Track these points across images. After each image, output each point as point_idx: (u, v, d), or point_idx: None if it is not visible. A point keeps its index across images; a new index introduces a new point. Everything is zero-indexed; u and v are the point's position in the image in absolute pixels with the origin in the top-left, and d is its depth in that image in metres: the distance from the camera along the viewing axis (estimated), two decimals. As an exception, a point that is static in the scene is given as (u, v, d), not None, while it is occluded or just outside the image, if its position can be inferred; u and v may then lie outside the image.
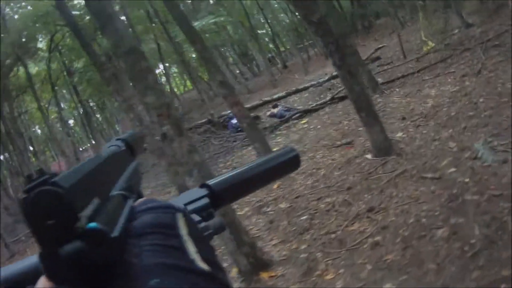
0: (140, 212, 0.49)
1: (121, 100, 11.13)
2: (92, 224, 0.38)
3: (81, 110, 32.23)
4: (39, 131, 38.51)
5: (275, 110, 15.72)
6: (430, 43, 13.75)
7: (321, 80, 16.96)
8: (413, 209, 5.54)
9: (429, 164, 6.70)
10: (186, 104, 31.82)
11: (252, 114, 16.86)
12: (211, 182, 0.73)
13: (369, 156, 7.99)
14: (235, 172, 0.77)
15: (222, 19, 23.89)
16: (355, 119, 10.97)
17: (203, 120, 17.88)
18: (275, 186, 8.65)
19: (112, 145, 0.71)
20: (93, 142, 33.54)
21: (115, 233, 0.40)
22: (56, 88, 28.76)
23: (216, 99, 25.55)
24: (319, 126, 12.03)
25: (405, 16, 21.04)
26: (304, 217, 6.87)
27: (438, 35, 13.59)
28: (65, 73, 26.88)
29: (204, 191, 0.71)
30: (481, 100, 8.18)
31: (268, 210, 7.93)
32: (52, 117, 34.93)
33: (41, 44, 25.81)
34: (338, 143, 9.76)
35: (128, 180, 0.60)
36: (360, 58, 11.19)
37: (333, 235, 5.93)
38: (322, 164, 8.97)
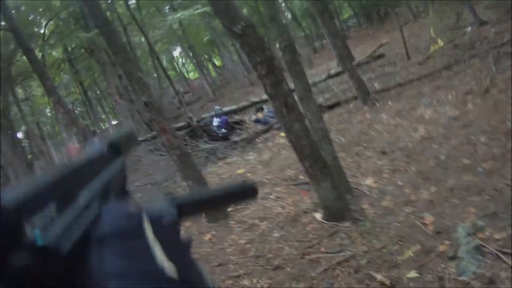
0: (105, 218, 0.46)
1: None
2: (39, 242, 0.38)
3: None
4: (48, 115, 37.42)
5: (260, 115, 13.49)
6: (439, 41, 11.24)
7: (316, 80, 14.53)
8: None
9: (386, 253, 4.44)
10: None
11: (237, 118, 14.81)
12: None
13: (318, 215, 5.77)
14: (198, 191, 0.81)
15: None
16: (335, 142, 8.76)
17: (181, 124, 15.69)
18: (206, 237, 6.64)
19: (97, 148, 0.69)
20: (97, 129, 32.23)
21: (64, 249, 0.40)
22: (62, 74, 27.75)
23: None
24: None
25: (419, 6, 18.17)
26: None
27: (448, 32, 11.04)
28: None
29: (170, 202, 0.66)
30: (482, 139, 5.85)
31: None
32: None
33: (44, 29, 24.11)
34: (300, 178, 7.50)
35: (104, 183, 0.59)
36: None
37: None
38: (270, 211, 6.78)
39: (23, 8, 19.73)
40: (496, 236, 3.93)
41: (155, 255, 0.43)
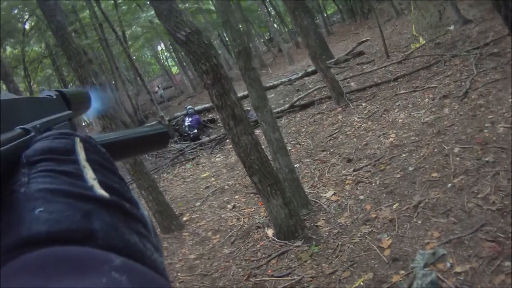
0: (37, 139, 0.44)
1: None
2: None
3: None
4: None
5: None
6: (420, 39, 10.64)
7: (293, 77, 13.91)
8: None
9: (335, 280, 3.88)
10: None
11: (210, 116, 14.15)
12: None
13: (270, 232, 5.18)
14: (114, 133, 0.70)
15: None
16: (301, 146, 8.16)
17: (153, 123, 15.00)
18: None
19: (46, 94, 0.66)
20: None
21: None
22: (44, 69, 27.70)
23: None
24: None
25: (402, 3, 17.48)
26: None
27: (430, 30, 10.42)
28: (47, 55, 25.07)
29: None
30: (455, 150, 5.24)
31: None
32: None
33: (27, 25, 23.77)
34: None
35: (47, 123, 0.56)
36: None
37: None
38: (225, 223, 6.23)
39: (5, 3, 19.29)
40: (458, 268, 3.34)
41: (87, 175, 0.40)
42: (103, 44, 20.32)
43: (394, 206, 4.66)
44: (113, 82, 21.50)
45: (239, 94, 13.67)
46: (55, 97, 0.66)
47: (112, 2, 21.95)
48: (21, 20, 21.91)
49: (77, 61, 6.90)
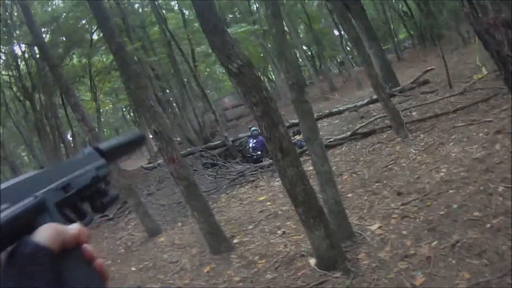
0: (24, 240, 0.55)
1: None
2: None
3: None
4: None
5: (297, 137, 13.09)
6: (483, 69, 10.50)
7: (358, 104, 14.02)
8: None
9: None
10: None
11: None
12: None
13: (312, 261, 5.39)
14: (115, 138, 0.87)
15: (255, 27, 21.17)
16: (357, 175, 8.29)
17: (217, 142, 15.55)
18: (205, 269, 6.54)
19: (80, 152, 0.77)
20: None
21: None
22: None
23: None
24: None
25: (470, 30, 17.14)
26: None
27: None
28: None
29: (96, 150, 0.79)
30: (499, 189, 5.26)
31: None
32: (106, 108, 34.99)
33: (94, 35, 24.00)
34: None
35: (64, 183, 0.66)
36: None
37: None
38: (272, 249, 6.51)
39: (70, 14, 20.11)
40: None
41: None
42: (171, 61, 20.65)
43: (433, 244, 4.76)
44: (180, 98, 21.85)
45: (292, 121, 14.01)
46: (87, 154, 0.76)
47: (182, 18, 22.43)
48: (89, 30, 22.36)
49: (136, 83, 7.26)
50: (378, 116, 11.09)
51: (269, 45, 25.48)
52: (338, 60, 36.28)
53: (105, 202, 0.75)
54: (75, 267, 0.59)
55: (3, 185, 0.57)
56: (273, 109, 4.85)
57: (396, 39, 27.29)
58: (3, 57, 22.82)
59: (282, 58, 5.78)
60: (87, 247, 0.62)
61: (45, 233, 0.57)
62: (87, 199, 0.72)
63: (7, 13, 19.15)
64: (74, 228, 0.61)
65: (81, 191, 0.70)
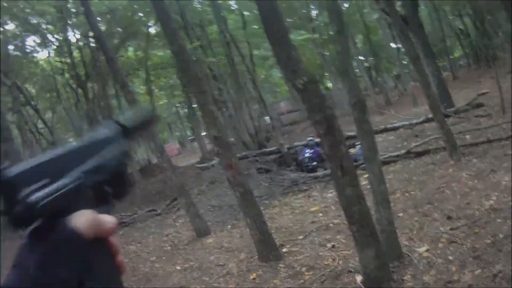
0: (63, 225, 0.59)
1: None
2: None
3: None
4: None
5: (352, 151, 13.31)
6: (539, 96, 10.50)
7: (413, 122, 14.14)
8: None
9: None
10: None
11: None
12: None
13: (359, 278, 5.69)
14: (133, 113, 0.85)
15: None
16: (409, 195, 8.50)
17: (272, 149, 15.95)
18: (251, 276, 6.83)
19: (101, 129, 0.73)
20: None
21: (41, 203, 0.55)
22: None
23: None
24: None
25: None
26: None
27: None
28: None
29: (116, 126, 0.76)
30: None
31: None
32: (160, 102, 35.22)
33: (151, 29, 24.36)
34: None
35: (96, 165, 0.65)
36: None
37: None
38: (320, 261, 6.79)
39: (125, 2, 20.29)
40: None
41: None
42: (230, 62, 20.65)
43: (476, 272, 4.99)
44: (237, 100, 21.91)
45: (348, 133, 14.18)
46: (113, 132, 0.73)
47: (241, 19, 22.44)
48: (145, 23, 22.67)
49: (197, 87, 7.50)
50: (433, 136, 11.22)
51: (326, 53, 25.63)
52: (394, 73, 35.99)
53: (127, 188, 0.73)
54: (100, 259, 0.61)
55: (43, 158, 0.60)
56: (336, 129, 5.01)
57: (451, 57, 26.93)
58: (57, 44, 23.35)
59: (345, 77, 5.99)
60: (114, 241, 0.64)
61: (83, 220, 0.58)
62: (109, 183, 0.69)
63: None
64: (111, 221, 0.62)
65: (111, 173, 0.68)
